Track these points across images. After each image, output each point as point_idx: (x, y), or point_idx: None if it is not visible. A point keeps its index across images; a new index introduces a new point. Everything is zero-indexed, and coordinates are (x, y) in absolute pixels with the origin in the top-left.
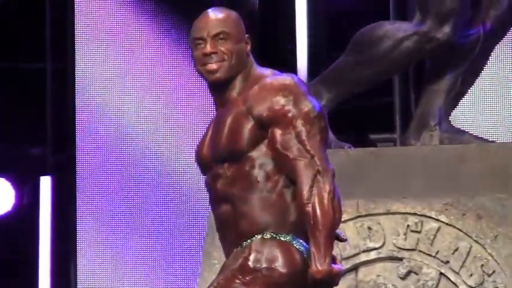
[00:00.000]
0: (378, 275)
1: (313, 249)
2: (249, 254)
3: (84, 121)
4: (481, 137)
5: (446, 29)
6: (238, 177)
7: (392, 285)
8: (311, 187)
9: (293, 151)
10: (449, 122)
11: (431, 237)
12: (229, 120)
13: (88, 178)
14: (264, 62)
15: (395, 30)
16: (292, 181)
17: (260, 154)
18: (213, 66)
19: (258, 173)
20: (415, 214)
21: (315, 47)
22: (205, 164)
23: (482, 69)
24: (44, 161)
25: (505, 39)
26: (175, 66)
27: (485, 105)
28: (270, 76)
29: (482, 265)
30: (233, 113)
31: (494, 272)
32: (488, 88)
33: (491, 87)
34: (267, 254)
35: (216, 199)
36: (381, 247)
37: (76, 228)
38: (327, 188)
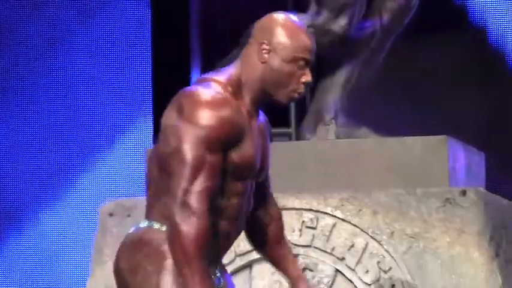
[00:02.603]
0: (273, 272)
1: None
2: None
3: None
4: (377, 132)
5: (342, 22)
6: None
7: (288, 282)
8: None
9: None
10: (346, 116)
11: (327, 233)
12: (267, 141)
13: None
14: (157, 60)
15: None
16: None
17: None
18: (299, 96)
19: None
20: (310, 210)
21: (209, 39)
22: (253, 173)
23: (379, 62)
24: None
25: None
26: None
27: (382, 98)
28: None
29: (378, 262)
30: (266, 133)
31: (390, 268)
32: (386, 81)
33: (389, 80)
34: None
35: (241, 211)
36: None
37: None
38: None
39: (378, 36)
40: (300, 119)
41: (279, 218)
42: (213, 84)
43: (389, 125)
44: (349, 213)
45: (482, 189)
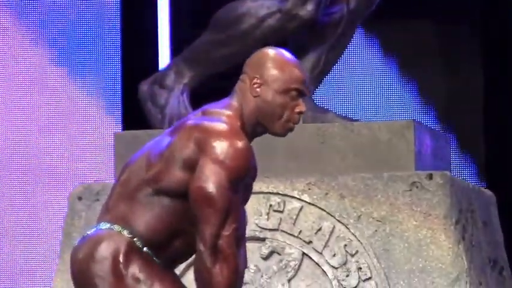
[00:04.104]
0: None
1: None
2: None
3: None
4: (345, 116)
5: (309, 7)
6: None
7: (255, 265)
8: None
9: None
10: (313, 100)
11: (294, 216)
12: None
13: None
14: (127, 40)
15: (258, 8)
16: None
17: None
18: (294, 127)
19: None
20: (277, 194)
21: (177, 23)
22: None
23: (345, 47)
24: None
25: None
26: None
27: (349, 84)
28: None
29: (345, 245)
30: None
31: (357, 252)
32: (354, 67)
33: (356, 66)
34: None
35: None
36: None
37: None
38: None
39: (345, 21)
40: None
41: None
42: (226, 119)
43: (356, 109)
44: (316, 197)
45: (448, 173)
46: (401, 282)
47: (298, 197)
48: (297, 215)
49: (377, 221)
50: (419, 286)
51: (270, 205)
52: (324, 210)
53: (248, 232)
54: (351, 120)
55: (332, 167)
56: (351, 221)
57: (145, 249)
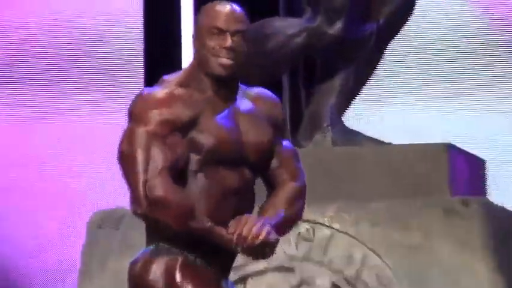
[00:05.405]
0: (268, 286)
1: None
2: None
3: None
4: (376, 139)
5: (338, 24)
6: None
7: None
8: None
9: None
10: (342, 121)
11: (324, 244)
12: (259, 124)
13: None
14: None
15: (285, 27)
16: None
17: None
18: (228, 61)
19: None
20: (306, 221)
21: None
22: (232, 155)
23: (375, 67)
24: None
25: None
26: None
27: (380, 106)
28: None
29: (377, 275)
30: (258, 115)
31: (391, 282)
32: (385, 89)
33: (388, 87)
34: None
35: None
36: None
37: None
38: None
39: (375, 39)
40: (295, 124)
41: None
42: (159, 83)
43: (388, 129)
44: (346, 224)
45: (484, 199)
46: None
47: (327, 224)
48: (327, 244)
49: (410, 249)
50: None
51: (299, 233)
52: (355, 238)
53: (276, 262)
54: (382, 143)
55: (363, 192)
56: (383, 249)
57: (197, 260)
